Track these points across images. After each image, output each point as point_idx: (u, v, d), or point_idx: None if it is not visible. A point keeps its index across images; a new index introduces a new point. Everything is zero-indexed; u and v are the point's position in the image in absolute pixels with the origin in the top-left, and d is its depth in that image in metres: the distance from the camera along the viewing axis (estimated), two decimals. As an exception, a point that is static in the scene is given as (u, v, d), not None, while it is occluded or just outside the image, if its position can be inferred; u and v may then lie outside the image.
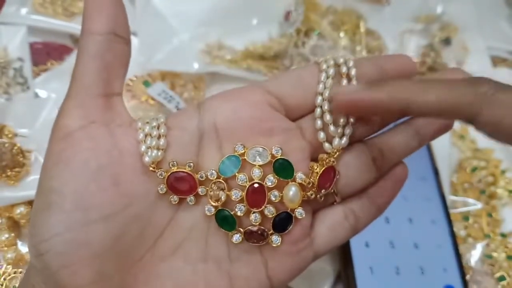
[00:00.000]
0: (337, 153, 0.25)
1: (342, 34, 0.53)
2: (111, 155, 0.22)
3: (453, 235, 0.40)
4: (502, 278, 0.41)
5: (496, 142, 0.20)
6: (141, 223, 0.23)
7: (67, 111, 0.22)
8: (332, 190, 0.25)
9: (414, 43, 0.55)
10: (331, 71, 0.25)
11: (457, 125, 0.50)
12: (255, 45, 0.50)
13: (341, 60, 0.26)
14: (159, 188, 0.23)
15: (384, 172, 0.27)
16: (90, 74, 0.23)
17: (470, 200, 0.45)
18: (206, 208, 0.23)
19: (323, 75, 0.25)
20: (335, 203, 0.26)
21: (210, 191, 0.23)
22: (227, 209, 0.23)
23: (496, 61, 0.56)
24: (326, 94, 0.25)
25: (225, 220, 0.23)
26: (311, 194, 0.24)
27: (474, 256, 0.42)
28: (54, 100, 0.46)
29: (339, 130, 0.25)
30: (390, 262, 0.38)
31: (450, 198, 0.45)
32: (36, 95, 0.46)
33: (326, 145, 0.25)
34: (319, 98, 0.25)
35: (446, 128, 0.27)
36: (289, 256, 0.24)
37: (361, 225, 0.26)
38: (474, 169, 0.47)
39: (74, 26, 0.50)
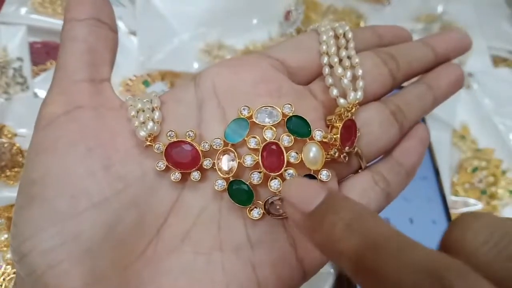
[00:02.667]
0: (354, 108, 0.23)
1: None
2: (100, 137, 0.20)
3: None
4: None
5: None
6: (139, 210, 0.20)
7: (49, 99, 0.21)
8: (355, 150, 0.23)
9: (414, 43, 0.55)
10: (330, 32, 0.24)
11: (458, 125, 0.50)
12: (255, 44, 0.50)
13: (337, 25, 0.25)
14: (157, 166, 0.20)
15: (405, 133, 0.25)
16: (72, 58, 0.21)
17: (471, 200, 0.45)
18: (216, 183, 0.20)
19: (324, 36, 0.24)
20: (360, 170, 0.24)
21: (218, 162, 0.20)
22: (241, 179, 0.20)
23: (497, 60, 0.56)
24: (332, 50, 0.24)
25: (239, 193, 0.20)
26: (335, 153, 0.21)
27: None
28: (54, 100, 0.45)
29: (351, 84, 0.23)
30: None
31: (450, 198, 0.45)
32: (36, 95, 0.46)
33: (341, 100, 0.23)
34: (325, 58, 0.24)
35: (458, 80, 0.26)
36: None
37: (393, 190, 0.24)
38: (475, 169, 0.47)
39: (74, 26, 0.50)
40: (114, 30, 0.23)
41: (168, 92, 0.23)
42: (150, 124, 0.20)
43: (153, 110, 0.21)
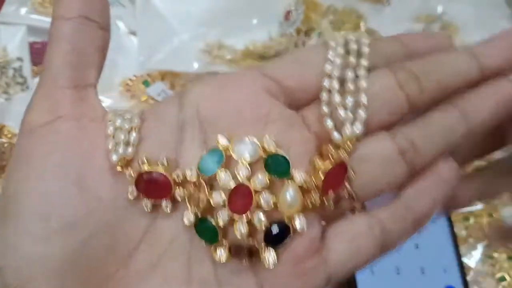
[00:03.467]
0: (351, 144, 0.20)
1: (342, 34, 0.53)
2: (78, 153, 0.19)
3: (453, 235, 0.40)
4: (502, 279, 0.41)
5: None
6: (112, 233, 0.19)
7: (33, 104, 0.20)
8: (346, 194, 0.20)
9: (414, 43, 0.55)
10: (340, 49, 0.21)
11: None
12: (255, 44, 0.50)
13: (353, 38, 0.21)
14: (128, 192, 0.19)
15: (421, 170, 0.21)
16: (56, 60, 0.20)
17: (471, 200, 0.45)
18: (185, 216, 0.19)
19: (331, 53, 0.21)
20: (354, 211, 0.21)
21: (189, 194, 0.19)
22: (208, 216, 0.19)
23: (497, 61, 0.56)
24: (335, 73, 0.20)
25: (205, 231, 0.19)
26: (315, 200, 0.19)
27: (474, 256, 0.42)
28: (54, 100, 0.46)
29: (350, 114, 0.20)
30: (390, 262, 0.38)
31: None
32: (36, 95, 0.46)
33: (335, 134, 0.20)
34: (326, 80, 0.20)
35: (506, 104, 0.21)
36: (292, 279, 0.19)
37: (392, 240, 0.20)
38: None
39: (74, 26, 0.50)
40: (105, 28, 0.22)
41: (152, 108, 0.21)
42: (122, 148, 0.19)
43: (130, 130, 0.20)
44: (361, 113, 0.20)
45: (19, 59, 0.48)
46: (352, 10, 0.55)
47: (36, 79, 0.47)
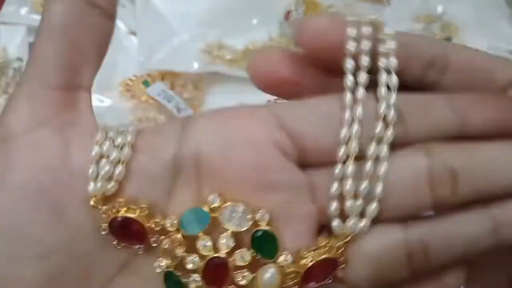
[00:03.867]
0: (348, 238, 0.18)
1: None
2: (58, 175, 0.17)
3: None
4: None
5: None
6: (86, 265, 0.18)
7: (13, 103, 0.17)
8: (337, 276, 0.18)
9: (414, 43, 0.55)
10: (358, 110, 0.17)
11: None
12: (255, 44, 0.50)
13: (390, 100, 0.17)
14: (101, 228, 0.18)
15: (426, 274, 0.18)
16: (47, 54, 0.17)
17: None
18: (156, 262, 0.18)
19: (359, 111, 0.17)
20: None
21: (165, 245, 0.18)
22: (179, 274, 0.18)
23: (497, 61, 0.56)
24: (353, 146, 0.17)
25: (172, 285, 0.18)
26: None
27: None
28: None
29: (359, 204, 0.17)
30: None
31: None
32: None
33: (335, 223, 0.17)
34: (342, 149, 0.17)
35: None
36: None
37: None
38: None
39: (74, 26, 0.50)
40: (110, 16, 0.18)
41: (150, 134, 0.18)
42: (100, 184, 0.17)
43: (117, 162, 0.17)
44: (372, 208, 0.17)
45: (19, 59, 0.48)
46: (352, 10, 0.55)
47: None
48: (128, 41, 0.50)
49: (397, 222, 0.18)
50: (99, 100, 0.46)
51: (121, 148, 0.17)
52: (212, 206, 0.18)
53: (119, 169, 0.17)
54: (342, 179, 0.17)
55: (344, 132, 0.17)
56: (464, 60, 0.18)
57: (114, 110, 0.46)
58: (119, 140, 0.17)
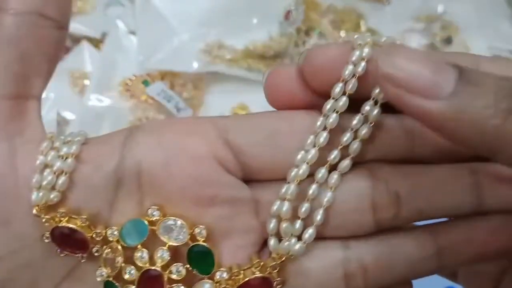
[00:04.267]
0: (282, 259, 0.18)
1: (342, 33, 0.53)
2: (4, 184, 0.17)
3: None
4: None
5: None
6: (34, 271, 0.18)
7: None
8: None
9: (415, 43, 0.55)
10: (323, 132, 0.17)
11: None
12: (255, 44, 0.50)
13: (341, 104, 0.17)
14: (44, 236, 0.18)
15: None
16: None
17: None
18: (97, 271, 0.18)
19: (310, 139, 0.17)
20: None
21: (106, 254, 0.18)
22: (118, 284, 0.18)
23: (497, 60, 0.56)
24: (301, 170, 0.17)
25: None
26: None
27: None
28: (53, 99, 0.45)
29: (299, 226, 0.17)
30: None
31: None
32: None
33: (271, 242, 0.18)
34: (293, 173, 0.17)
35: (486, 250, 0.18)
36: None
37: None
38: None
39: (73, 26, 0.50)
40: (63, 26, 0.18)
41: (96, 144, 0.18)
42: (42, 193, 0.17)
43: (60, 173, 0.17)
44: (309, 234, 0.17)
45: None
46: (352, 10, 0.55)
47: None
48: (127, 40, 0.50)
49: (338, 241, 0.18)
50: (98, 100, 0.46)
51: (66, 159, 0.17)
52: (151, 219, 0.18)
53: (62, 179, 0.17)
54: (285, 199, 0.17)
55: (299, 156, 0.17)
56: None
57: (113, 110, 0.46)
58: (64, 150, 0.18)
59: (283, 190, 0.17)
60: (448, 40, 0.54)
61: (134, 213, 0.18)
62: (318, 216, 0.17)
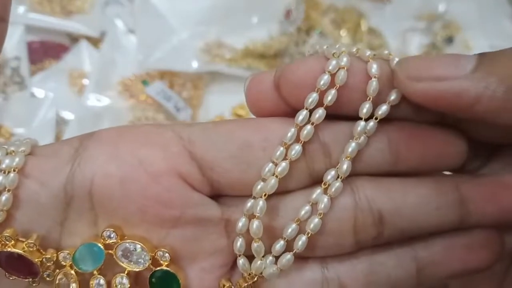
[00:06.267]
0: (254, 279, 0.16)
1: (343, 33, 0.53)
2: None
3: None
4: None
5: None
6: None
7: None
8: None
9: (416, 42, 0.54)
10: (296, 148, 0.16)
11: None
12: (255, 43, 0.50)
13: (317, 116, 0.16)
14: None
15: None
16: None
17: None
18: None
19: (278, 152, 0.16)
20: None
21: (59, 280, 0.17)
22: None
23: (499, 60, 0.55)
24: (269, 185, 0.16)
25: None
26: None
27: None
28: (51, 99, 0.45)
29: (279, 247, 0.16)
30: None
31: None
32: (33, 95, 0.46)
33: (240, 262, 0.16)
34: (259, 186, 0.16)
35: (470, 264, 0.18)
36: None
37: None
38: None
39: (72, 25, 0.49)
40: (3, 18, 0.18)
41: (43, 156, 0.17)
42: None
43: (2, 190, 0.16)
44: (288, 257, 0.16)
45: (17, 58, 0.47)
46: (353, 9, 0.55)
47: (34, 78, 0.47)
48: (126, 40, 0.50)
49: (317, 260, 0.17)
50: (97, 100, 0.46)
51: (8, 173, 0.16)
52: (107, 242, 0.16)
53: (5, 196, 0.16)
54: (254, 216, 0.16)
55: (267, 168, 0.16)
56: None
57: (112, 109, 0.46)
58: (6, 163, 0.16)
59: (248, 205, 0.16)
60: (449, 40, 0.54)
61: (87, 234, 0.17)
62: (300, 242, 0.16)
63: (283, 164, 0.16)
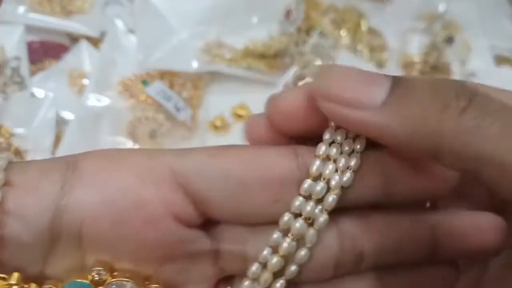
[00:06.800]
0: None
1: (343, 33, 0.53)
2: None
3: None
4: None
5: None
6: None
7: None
8: None
9: (416, 42, 0.54)
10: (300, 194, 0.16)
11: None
12: (255, 43, 0.50)
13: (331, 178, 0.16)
14: None
15: None
16: None
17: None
18: None
19: (286, 218, 0.16)
20: None
21: None
22: None
23: (499, 60, 0.55)
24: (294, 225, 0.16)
25: None
26: None
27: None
28: (51, 99, 0.45)
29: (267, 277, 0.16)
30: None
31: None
32: (33, 95, 0.46)
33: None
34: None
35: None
36: None
37: None
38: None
39: (72, 25, 0.49)
40: None
41: (19, 195, 0.15)
42: None
43: None
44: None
45: (17, 58, 0.47)
46: (353, 9, 0.55)
47: (34, 78, 0.47)
48: (126, 40, 0.50)
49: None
50: (97, 100, 0.46)
51: None
52: (96, 279, 0.16)
53: None
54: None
55: (285, 219, 0.16)
56: None
57: (112, 109, 0.46)
58: None
59: (262, 255, 0.16)
60: (449, 40, 0.54)
61: (73, 266, 0.16)
62: (278, 283, 0.16)
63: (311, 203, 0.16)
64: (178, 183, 0.16)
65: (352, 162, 0.16)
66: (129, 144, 0.45)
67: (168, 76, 0.48)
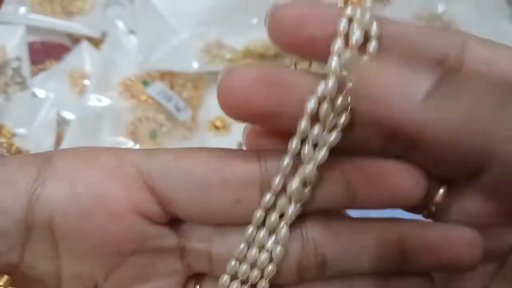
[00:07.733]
0: None
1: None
2: None
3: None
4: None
5: None
6: None
7: None
8: None
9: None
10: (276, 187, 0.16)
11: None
12: (255, 44, 0.50)
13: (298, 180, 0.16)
14: None
15: None
16: None
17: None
18: None
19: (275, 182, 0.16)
20: None
21: None
22: None
23: (498, 60, 0.55)
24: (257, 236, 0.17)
25: None
26: None
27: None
28: (53, 99, 0.45)
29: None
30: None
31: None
32: (34, 95, 0.46)
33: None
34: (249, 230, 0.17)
35: None
36: None
37: None
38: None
39: (73, 26, 0.50)
40: None
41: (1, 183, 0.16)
42: None
43: None
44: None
45: (18, 58, 0.47)
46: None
47: (35, 79, 0.47)
48: (127, 40, 0.50)
49: None
50: (98, 100, 0.46)
51: None
52: None
53: None
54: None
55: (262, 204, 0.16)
56: (397, 33, 0.16)
57: (113, 110, 0.46)
58: None
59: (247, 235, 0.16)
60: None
61: (49, 253, 0.17)
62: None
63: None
64: (144, 182, 0.16)
65: (319, 157, 0.16)
66: (130, 144, 0.45)
67: (168, 77, 0.48)
